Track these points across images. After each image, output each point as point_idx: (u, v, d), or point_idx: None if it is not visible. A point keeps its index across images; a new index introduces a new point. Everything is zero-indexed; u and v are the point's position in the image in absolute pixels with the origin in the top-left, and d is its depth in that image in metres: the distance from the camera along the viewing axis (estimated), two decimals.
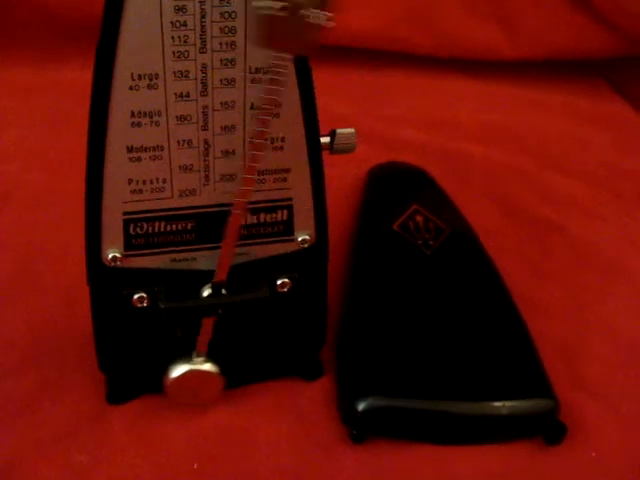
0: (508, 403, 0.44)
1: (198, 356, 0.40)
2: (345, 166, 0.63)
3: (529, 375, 0.46)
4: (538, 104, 0.83)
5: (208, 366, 0.40)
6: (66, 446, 0.42)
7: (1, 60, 0.80)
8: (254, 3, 0.28)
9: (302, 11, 0.28)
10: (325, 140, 0.39)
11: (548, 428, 0.44)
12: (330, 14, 0.29)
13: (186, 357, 0.40)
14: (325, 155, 0.38)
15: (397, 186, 0.61)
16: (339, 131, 0.39)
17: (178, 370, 0.40)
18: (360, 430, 0.43)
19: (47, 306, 0.51)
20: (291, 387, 0.46)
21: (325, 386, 0.47)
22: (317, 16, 0.28)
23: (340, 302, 0.50)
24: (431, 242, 0.53)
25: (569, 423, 0.44)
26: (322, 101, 0.48)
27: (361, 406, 0.43)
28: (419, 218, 0.56)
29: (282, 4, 0.28)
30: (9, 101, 0.76)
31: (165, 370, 0.40)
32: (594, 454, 0.44)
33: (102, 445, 0.43)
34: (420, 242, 0.53)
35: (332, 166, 0.59)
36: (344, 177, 0.64)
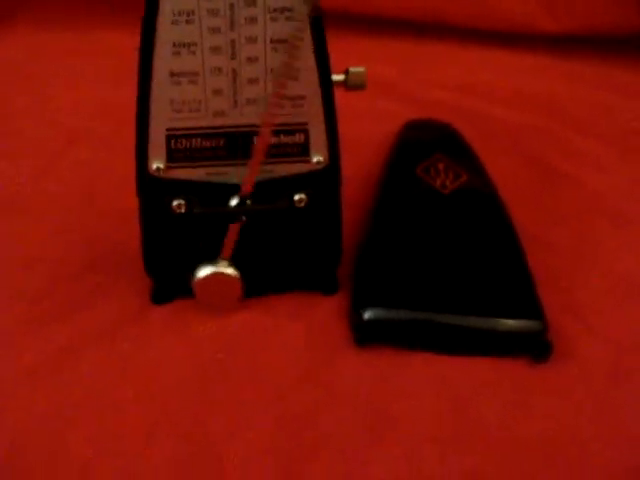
0: (500, 320, 0.49)
1: (222, 260, 0.47)
2: (387, 120, 0.71)
3: (522, 298, 0.50)
4: (573, 75, 0.87)
5: (230, 270, 0.47)
6: (113, 336, 0.50)
7: (74, 25, 0.89)
8: None
9: None
10: (340, 78, 0.45)
11: (535, 346, 0.49)
12: None
13: (213, 261, 0.47)
14: (370, 109, 0.44)
15: (426, 137, 0.67)
16: (352, 69, 0.45)
17: (203, 271, 0.47)
18: (364, 335, 0.49)
19: (104, 227, 0.59)
20: (310, 299, 0.53)
21: (340, 301, 0.53)
22: None
23: (362, 229, 0.57)
24: (448, 184, 0.59)
25: (557, 344, 0.49)
26: (370, 64, 0.54)
27: (367, 314, 0.49)
28: (440, 165, 0.61)
29: None
30: (80, 60, 0.85)
31: (192, 271, 0.47)
32: (576, 371, 0.49)
33: (143, 336, 0.50)
34: (439, 183, 0.59)
35: (376, 119, 0.66)
36: (386, 128, 0.71)
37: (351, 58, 0.84)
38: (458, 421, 0.45)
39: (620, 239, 0.61)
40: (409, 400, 0.47)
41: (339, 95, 0.46)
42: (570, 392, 0.48)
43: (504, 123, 0.76)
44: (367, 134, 0.69)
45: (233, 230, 0.45)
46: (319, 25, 0.41)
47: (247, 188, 0.44)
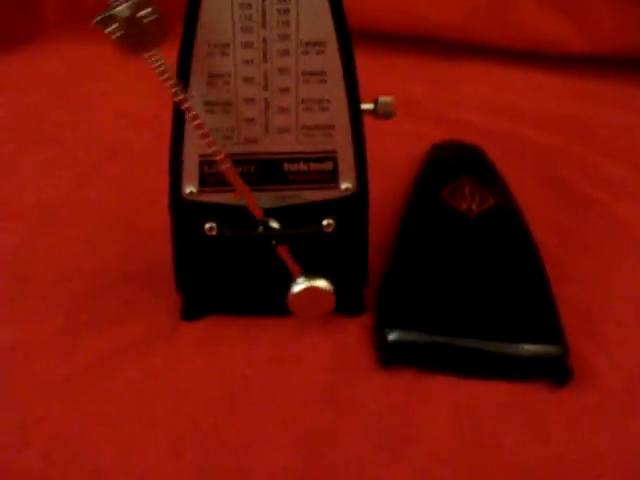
0: (521, 345, 0.50)
1: (306, 275, 0.47)
2: (414, 141, 0.72)
3: (543, 323, 0.51)
4: (602, 96, 0.88)
5: (322, 282, 0.47)
6: (144, 350, 0.52)
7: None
8: None
9: None
10: (369, 107, 0.46)
11: (556, 371, 0.50)
12: None
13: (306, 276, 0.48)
14: (397, 130, 0.45)
15: (453, 159, 0.68)
16: (380, 99, 0.46)
17: (298, 286, 0.47)
18: (389, 357, 0.50)
19: (139, 241, 0.62)
20: (337, 319, 0.54)
21: (366, 321, 0.54)
22: None
23: (387, 255, 0.58)
24: (474, 208, 0.60)
25: (578, 370, 0.50)
26: (399, 83, 0.55)
27: (391, 336, 0.50)
28: (467, 187, 0.62)
29: None
30: (118, 75, 0.87)
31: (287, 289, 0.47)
32: (595, 398, 0.49)
33: (173, 352, 0.52)
34: (465, 207, 0.60)
35: (403, 140, 0.67)
36: (413, 150, 0.72)
37: (379, 76, 0.86)
38: (475, 444, 0.46)
39: None
40: (428, 422, 0.48)
41: (366, 117, 0.47)
42: (587, 419, 0.48)
43: (532, 145, 0.77)
44: (394, 155, 0.71)
45: (283, 252, 0.46)
46: (349, 56, 0.43)
47: (258, 214, 0.46)
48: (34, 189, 0.69)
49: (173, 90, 0.41)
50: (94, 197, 0.67)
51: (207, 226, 0.47)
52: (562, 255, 0.62)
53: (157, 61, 0.39)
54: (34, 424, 0.47)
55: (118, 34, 0.37)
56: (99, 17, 0.37)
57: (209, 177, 0.46)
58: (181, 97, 0.41)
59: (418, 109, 0.82)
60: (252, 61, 0.42)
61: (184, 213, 0.47)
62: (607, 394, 0.50)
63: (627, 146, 0.79)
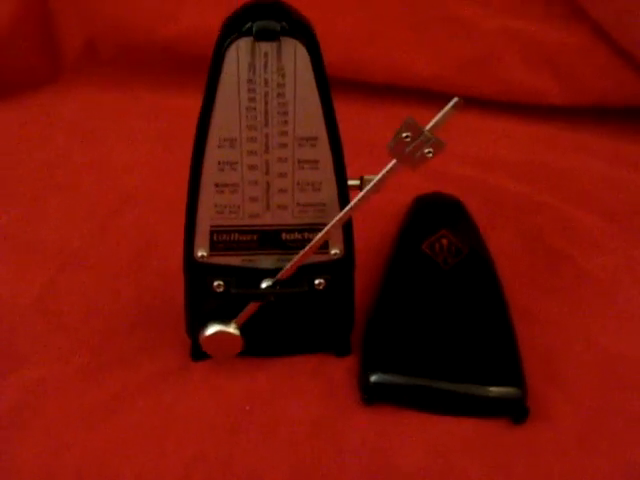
0: (486, 387, 0.57)
1: (233, 324, 0.55)
2: (397, 193, 0.78)
3: (507, 368, 0.58)
4: (581, 147, 0.94)
5: (234, 330, 0.55)
6: (158, 388, 0.59)
7: (130, 87, 0.99)
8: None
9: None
10: (356, 182, 0.54)
11: (515, 411, 0.57)
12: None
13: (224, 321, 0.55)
14: None
15: (433, 213, 0.75)
16: (366, 177, 0.54)
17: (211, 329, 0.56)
18: (371, 396, 0.58)
19: (153, 285, 0.69)
20: (326, 359, 0.61)
21: (351, 362, 0.61)
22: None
23: (371, 301, 0.65)
24: (449, 260, 0.68)
25: (535, 409, 0.56)
26: (382, 135, 0.61)
27: (373, 378, 0.57)
28: (444, 241, 0.70)
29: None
30: (135, 121, 0.95)
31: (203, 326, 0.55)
32: (550, 434, 0.56)
33: (184, 389, 0.59)
34: (440, 260, 0.68)
35: (387, 192, 0.74)
36: (394, 201, 0.78)
37: (367, 124, 0.94)
38: (445, 475, 0.53)
39: (608, 316, 0.67)
40: (404, 453, 0.55)
41: (354, 168, 0.54)
42: (543, 453, 0.55)
43: (510, 196, 0.83)
44: (380, 204, 0.77)
45: (252, 307, 0.54)
46: (338, 147, 0.50)
47: (284, 275, 0.53)
48: (57, 234, 0.75)
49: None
50: (112, 242, 0.74)
51: (215, 284, 0.55)
52: (528, 301, 0.68)
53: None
54: (61, 452, 0.54)
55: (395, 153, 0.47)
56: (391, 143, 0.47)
57: (218, 243, 0.53)
58: None
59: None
60: (255, 152, 0.50)
61: (196, 272, 0.55)
62: (562, 431, 0.56)
63: (602, 197, 0.85)
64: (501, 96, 0.97)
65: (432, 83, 0.96)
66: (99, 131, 0.93)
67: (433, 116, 0.48)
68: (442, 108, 0.46)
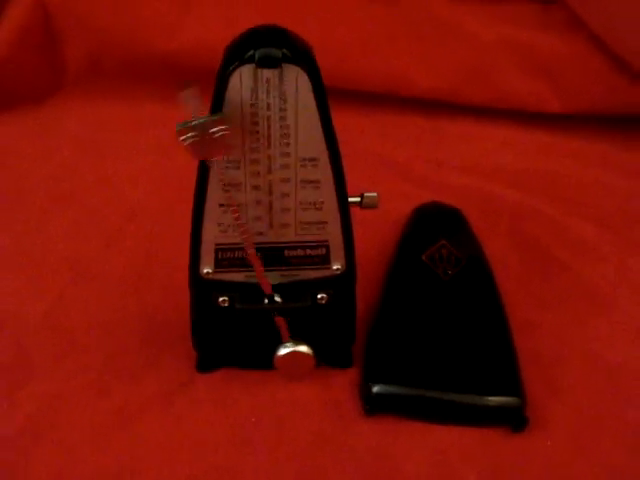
0: (486, 397, 0.58)
1: (291, 341, 0.56)
2: (396, 203, 0.80)
3: (505, 377, 0.60)
4: (578, 154, 0.95)
5: (304, 347, 0.56)
6: (166, 399, 0.60)
7: (133, 99, 1.01)
8: None
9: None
10: (356, 199, 0.56)
11: (514, 419, 0.58)
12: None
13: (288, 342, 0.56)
14: (383, 190, 0.54)
15: (433, 223, 0.77)
16: (366, 194, 0.55)
17: (283, 350, 0.56)
18: (372, 407, 0.59)
19: (158, 299, 0.70)
20: (328, 371, 0.63)
21: (353, 374, 0.63)
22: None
23: (372, 312, 0.67)
24: (449, 271, 0.69)
25: (534, 418, 0.58)
26: (383, 145, 0.62)
27: (375, 389, 0.59)
28: (444, 251, 0.71)
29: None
30: (138, 133, 0.96)
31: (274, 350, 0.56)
32: (549, 443, 0.58)
33: (191, 400, 0.60)
34: (440, 270, 0.69)
35: (386, 202, 0.75)
36: (394, 212, 0.80)
37: (366, 134, 0.95)
38: None
39: (605, 324, 0.69)
40: (406, 461, 0.57)
41: (354, 178, 0.55)
42: (540, 460, 0.57)
43: (509, 206, 0.84)
44: (380, 214, 0.78)
45: (280, 321, 0.56)
46: (339, 167, 0.52)
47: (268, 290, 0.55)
48: (64, 248, 0.76)
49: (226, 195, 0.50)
50: (118, 255, 0.75)
51: (220, 299, 0.56)
52: (528, 311, 0.70)
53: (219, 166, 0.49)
54: (72, 466, 0.55)
55: (190, 141, 0.46)
56: (179, 125, 0.46)
57: (223, 261, 0.55)
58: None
59: (403, 169, 0.90)
60: (259, 173, 0.51)
61: (201, 288, 0.56)
62: (560, 440, 0.58)
63: (600, 204, 0.86)
64: (498, 104, 0.98)
65: (430, 92, 0.97)
66: (103, 143, 0.94)
67: (431, 126, 0.49)
68: (441, 123, 0.47)
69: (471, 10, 0.98)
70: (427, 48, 0.98)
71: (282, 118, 0.49)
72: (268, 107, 0.48)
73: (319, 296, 0.57)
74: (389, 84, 0.98)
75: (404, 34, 0.99)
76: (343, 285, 0.57)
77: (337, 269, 0.56)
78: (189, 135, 0.46)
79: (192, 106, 0.46)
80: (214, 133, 0.46)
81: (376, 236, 0.77)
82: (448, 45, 0.97)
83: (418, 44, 0.98)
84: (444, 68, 0.98)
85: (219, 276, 0.55)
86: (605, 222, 0.83)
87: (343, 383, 0.62)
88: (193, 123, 0.46)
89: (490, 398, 0.59)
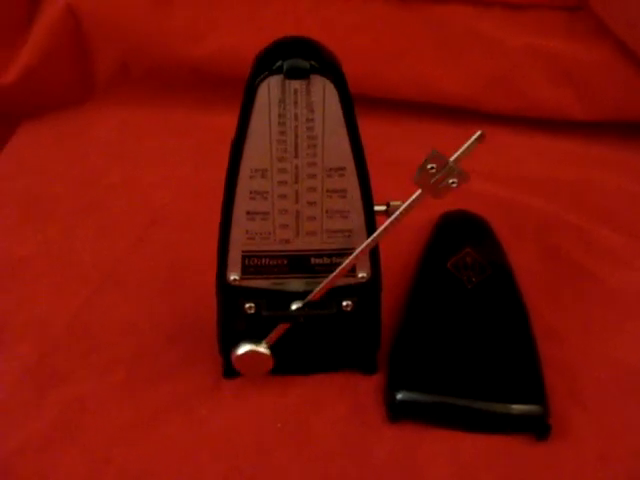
0: (509, 404, 0.59)
1: (264, 344, 0.57)
2: (422, 211, 0.80)
3: (530, 386, 0.60)
4: (604, 162, 0.95)
5: (264, 349, 0.57)
6: (192, 403, 0.61)
7: (161, 106, 1.02)
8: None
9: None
10: (382, 208, 0.56)
11: (537, 428, 0.58)
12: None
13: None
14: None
15: (458, 231, 0.77)
16: (392, 203, 0.56)
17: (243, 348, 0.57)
18: (396, 413, 0.60)
19: (185, 304, 0.71)
20: (353, 377, 0.63)
21: (378, 380, 0.63)
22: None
23: (397, 319, 0.67)
24: (473, 279, 0.69)
25: (558, 426, 0.58)
26: (408, 151, 0.62)
27: (399, 396, 0.60)
28: (469, 259, 0.72)
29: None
30: (166, 139, 0.97)
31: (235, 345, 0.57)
32: (571, 451, 0.58)
33: (217, 405, 0.61)
34: (465, 278, 0.69)
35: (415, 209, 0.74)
36: (419, 219, 0.80)
37: (395, 141, 0.95)
38: None
39: (630, 333, 0.68)
40: (429, 468, 0.57)
41: (381, 186, 0.56)
42: (565, 470, 0.57)
43: (534, 213, 0.84)
44: (406, 221, 0.79)
45: (282, 328, 0.56)
46: (365, 177, 0.52)
47: (314, 297, 0.56)
48: (91, 253, 0.78)
49: None
50: (145, 260, 0.76)
51: (247, 306, 0.57)
52: (553, 319, 0.70)
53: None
54: (100, 467, 0.57)
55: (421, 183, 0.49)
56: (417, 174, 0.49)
57: (249, 268, 0.56)
58: None
59: None
60: (286, 182, 0.52)
61: (228, 295, 0.57)
62: (583, 448, 0.58)
63: (626, 213, 0.85)
64: (524, 112, 0.98)
65: (457, 100, 0.98)
66: (132, 150, 0.96)
67: (458, 133, 0.49)
68: (467, 131, 0.48)
69: (497, 18, 0.98)
70: (453, 56, 0.98)
71: (309, 129, 0.50)
72: (296, 117, 0.49)
73: (344, 303, 0.57)
74: (416, 92, 0.99)
75: (431, 42, 0.99)
76: (368, 293, 0.58)
77: (362, 277, 0.57)
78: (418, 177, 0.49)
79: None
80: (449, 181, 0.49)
81: (401, 243, 0.77)
82: (474, 53, 0.97)
83: (444, 52, 0.98)
84: (470, 76, 0.98)
85: (246, 283, 0.56)
86: (631, 230, 0.83)
87: (368, 389, 0.63)
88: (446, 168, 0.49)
89: (513, 406, 0.59)
